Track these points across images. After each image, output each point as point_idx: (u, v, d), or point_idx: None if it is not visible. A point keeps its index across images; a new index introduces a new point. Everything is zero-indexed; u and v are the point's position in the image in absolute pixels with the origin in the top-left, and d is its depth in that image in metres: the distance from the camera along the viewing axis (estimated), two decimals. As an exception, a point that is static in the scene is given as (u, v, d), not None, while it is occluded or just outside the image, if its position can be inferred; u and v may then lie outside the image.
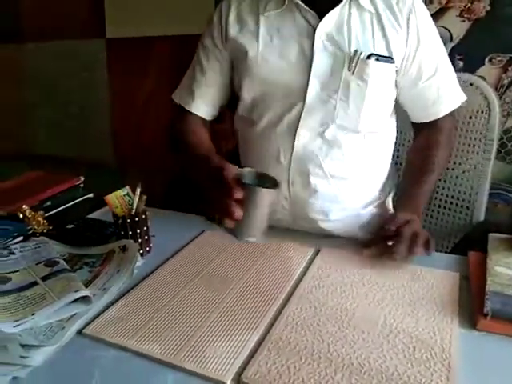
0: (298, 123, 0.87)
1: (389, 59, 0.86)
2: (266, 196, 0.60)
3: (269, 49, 0.86)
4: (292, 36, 0.85)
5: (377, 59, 0.84)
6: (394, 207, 0.96)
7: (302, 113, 0.86)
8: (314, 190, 0.90)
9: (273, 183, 0.62)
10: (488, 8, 1.26)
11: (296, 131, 0.87)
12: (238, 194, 0.59)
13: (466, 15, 1.29)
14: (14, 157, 2.07)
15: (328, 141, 0.88)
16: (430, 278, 0.71)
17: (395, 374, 0.51)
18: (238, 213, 0.59)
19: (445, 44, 0.93)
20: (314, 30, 0.83)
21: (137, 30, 1.77)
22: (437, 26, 0.92)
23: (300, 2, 0.83)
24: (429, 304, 0.64)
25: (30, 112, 2.15)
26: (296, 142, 0.87)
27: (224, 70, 0.94)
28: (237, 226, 0.61)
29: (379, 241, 0.78)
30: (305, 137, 0.87)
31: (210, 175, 0.64)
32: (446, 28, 1.30)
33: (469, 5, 1.28)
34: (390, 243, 0.75)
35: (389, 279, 0.71)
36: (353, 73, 0.84)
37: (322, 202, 0.90)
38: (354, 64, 0.83)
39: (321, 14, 0.83)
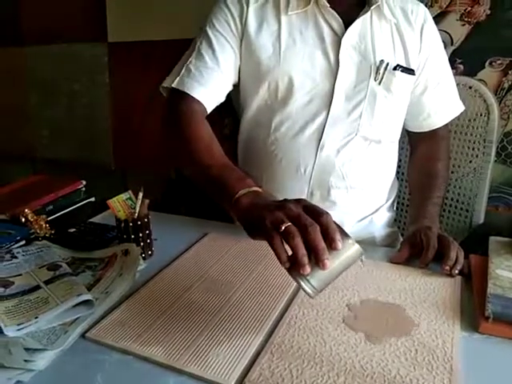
0: (322, 135, 0.84)
1: (411, 71, 0.85)
2: (354, 255, 0.53)
3: (292, 50, 0.83)
4: (315, 40, 0.83)
5: (402, 70, 0.83)
6: (407, 223, 0.92)
7: (325, 124, 0.84)
8: (333, 202, 0.88)
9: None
10: (488, 12, 1.26)
11: (319, 143, 0.84)
12: (340, 245, 0.50)
13: (466, 19, 1.29)
14: (17, 159, 2.08)
15: (351, 152, 0.86)
16: (431, 281, 0.71)
17: (397, 377, 0.51)
18: (329, 262, 0.50)
19: (445, 47, 0.93)
20: (339, 39, 0.81)
21: (138, 34, 1.78)
22: (437, 30, 0.93)
23: (326, 3, 0.81)
24: (430, 307, 0.64)
25: (32, 115, 2.15)
26: (319, 154, 0.85)
27: (235, 65, 0.87)
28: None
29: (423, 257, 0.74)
30: (328, 149, 0.85)
31: (295, 215, 0.53)
32: (446, 32, 1.30)
33: (469, 8, 1.28)
34: (446, 268, 0.71)
35: (390, 283, 0.71)
36: (379, 83, 0.82)
37: (340, 214, 0.85)
38: (380, 74, 0.82)
39: (341, 18, 0.82)
